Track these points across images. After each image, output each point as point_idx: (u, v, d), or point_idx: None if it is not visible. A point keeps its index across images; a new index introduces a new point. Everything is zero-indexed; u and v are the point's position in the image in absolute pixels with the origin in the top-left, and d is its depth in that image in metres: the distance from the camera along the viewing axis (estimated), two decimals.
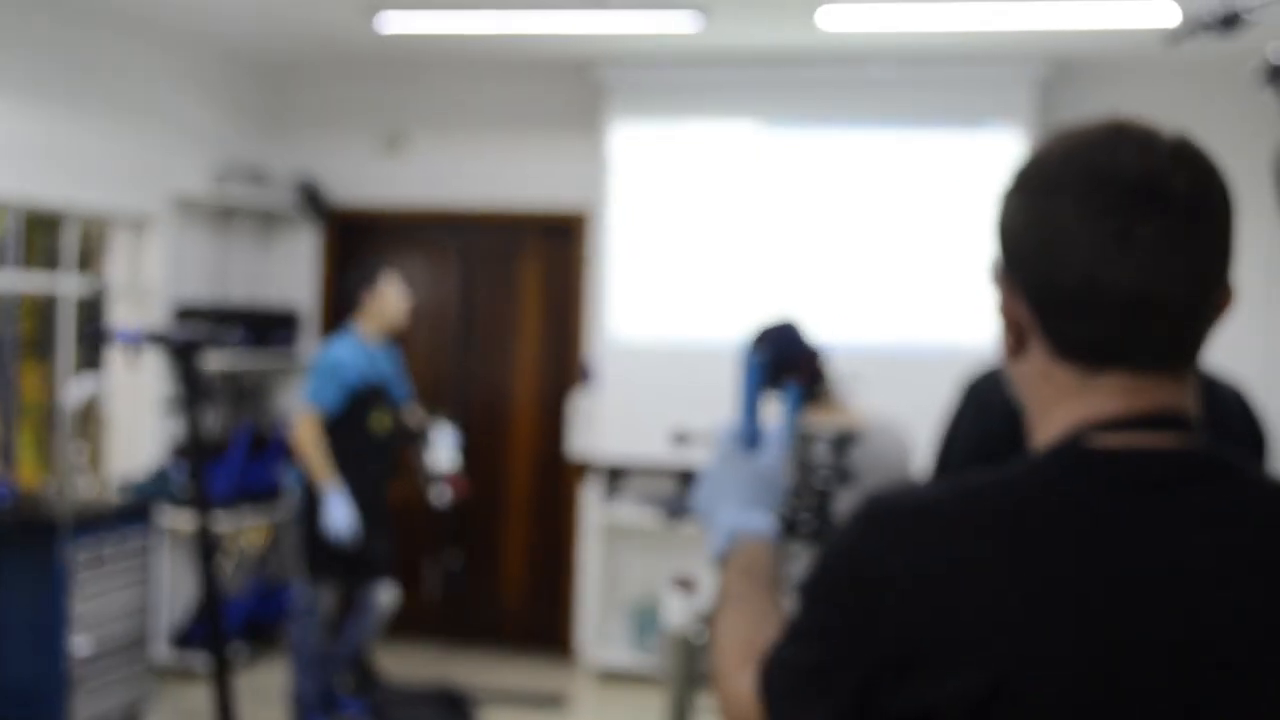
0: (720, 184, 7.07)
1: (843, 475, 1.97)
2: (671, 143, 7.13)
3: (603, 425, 7.22)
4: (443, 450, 6.14)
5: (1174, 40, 4.51)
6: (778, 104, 7.01)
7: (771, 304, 6.84)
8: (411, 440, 6.23)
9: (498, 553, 7.76)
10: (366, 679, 6.36)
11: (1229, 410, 2.34)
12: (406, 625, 7.66)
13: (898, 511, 1.26)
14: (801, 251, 6.95)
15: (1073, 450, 1.24)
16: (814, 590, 1.30)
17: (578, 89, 7.31)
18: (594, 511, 7.34)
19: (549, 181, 7.50)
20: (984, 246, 6.61)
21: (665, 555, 7.37)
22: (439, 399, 7.62)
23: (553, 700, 6.77)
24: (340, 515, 5.72)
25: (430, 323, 7.79)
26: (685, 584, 1.85)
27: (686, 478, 7.15)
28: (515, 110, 7.55)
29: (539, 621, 7.72)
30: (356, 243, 7.88)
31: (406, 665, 7.25)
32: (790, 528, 1.84)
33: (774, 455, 1.73)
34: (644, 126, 7.16)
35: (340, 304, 6.32)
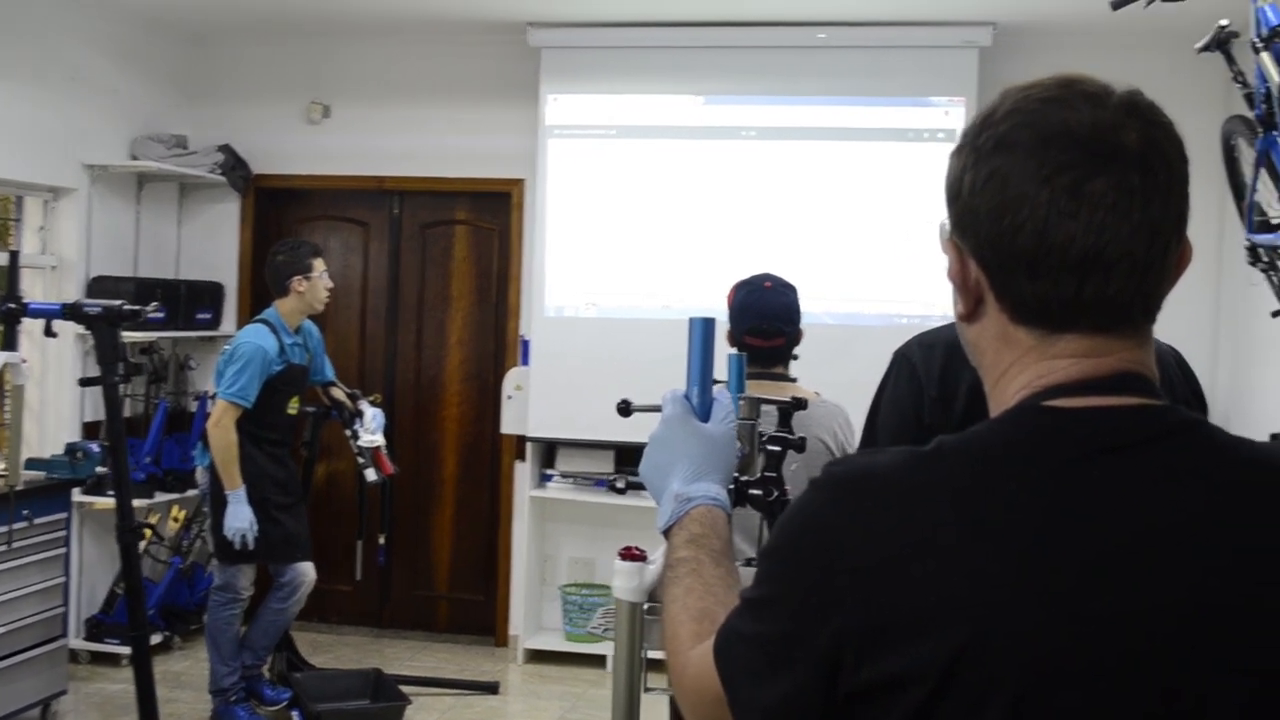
0: (658, 153, 6.91)
1: (794, 443, 1.85)
2: (609, 110, 6.96)
3: (537, 401, 7.05)
4: (366, 428, 5.99)
5: (1117, 5, 4.45)
6: (717, 71, 6.85)
7: (710, 276, 6.76)
8: (339, 418, 6.09)
9: (427, 536, 7.60)
10: (290, 665, 6.22)
11: (1167, 371, 2.35)
12: (333, 612, 7.50)
13: (859, 480, 1.23)
14: (741, 223, 6.82)
15: (1034, 413, 1.21)
16: (775, 561, 1.26)
17: (511, 55, 7.10)
18: (527, 490, 7.18)
19: (481, 150, 7.32)
20: (921, 219, 6.61)
21: (600, 535, 7.27)
22: (365, 377, 7.45)
23: (487, 686, 6.62)
24: (240, 520, 5.59)
25: (356, 297, 7.61)
26: (634, 554, 1.72)
27: (624, 453, 7.03)
28: (445, 77, 7.35)
29: (469, 605, 7.56)
30: (280, 213, 7.68)
31: (334, 653, 7.09)
32: (740, 496, 1.72)
33: (724, 423, 1.67)
34: (581, 94, 6.98)
35: (264, 282, 6.14)
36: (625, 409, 1.98)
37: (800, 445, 1.86)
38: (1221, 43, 4.58)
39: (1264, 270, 4.93)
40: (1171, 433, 1.20)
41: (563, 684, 6.80)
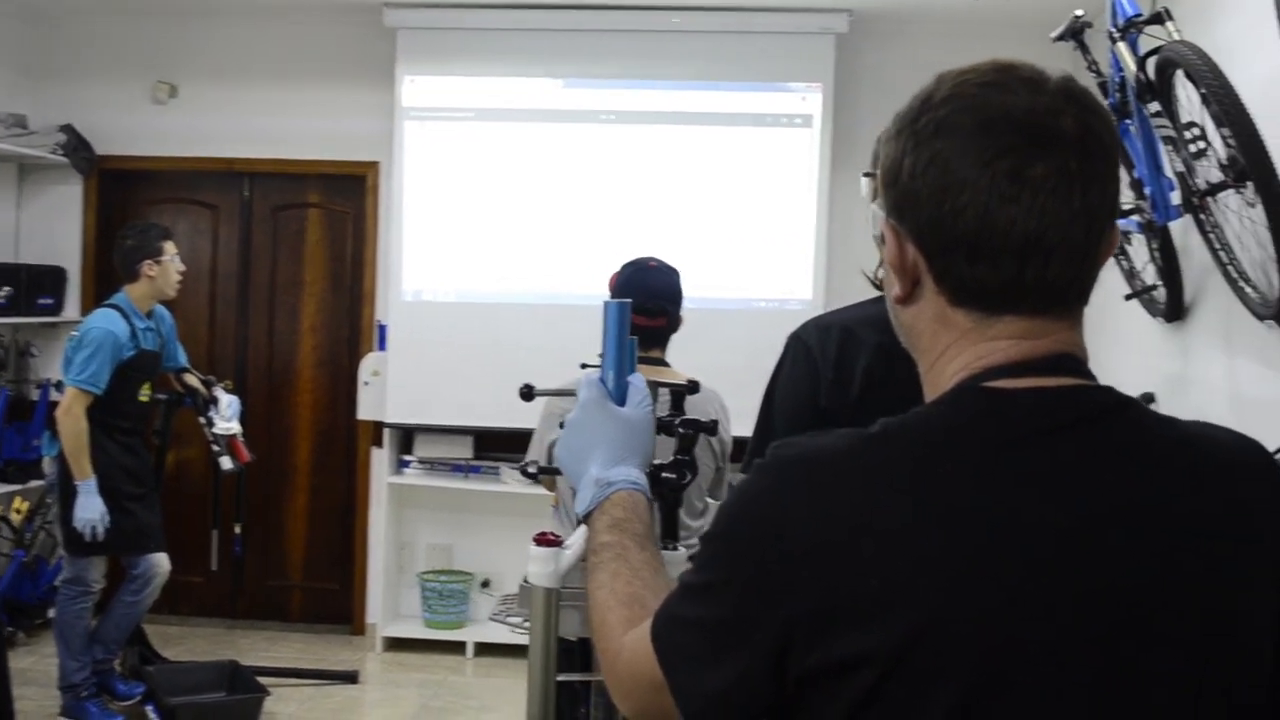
0: (517, 136, 6.86)
1: (707, 426, 1.85)
2: (467, 93, 6.88)
3: (395, 387, 6.97)
4: (222, 415, 5.86)
5: None
6: (575, 54, 6.82)
7: (570, 260, 6.75)
8: (193, 405, 5.94)
9: (280, 524, 7.46)
10: (142, 658, 6.06)
11: None
12: (184, 604, 7.33)
13: (804, 463, 1.22)
14: (601, 206, 6.81)
15: (973, 394, 1.22)
16: (718, 544, 1.25)
17: (366, 35, 6.99)
18: (385, 477, 7.10)
19: (334, 132, 7.19)
20: (779, 204, 6.66)
21: (458, 522, 7.23)
22: (215, 363, 7.28)
23: (346, 675, 6.54)
24: (91, 511, 5.42)
25: (205, 282, 7.42)
26: (550, 539, 1.70)
27: (483, 438, 7.00)
28: (298, 57, 7.20)
29: (325, 593, 7.45)
30: (126, 196, 7.46)
31: (187, 646, 6.94)
32: (653, 480, 1.71)
33: (641, 407, 1.65)
34: (438, 75, 6.89)
35: (111, 266, 5.96)
36: (528, 393, 1.96)
37: (712, 428, 1.86)
38: (1076, 32, 4.70)
39: (1115, 255, 5.07)
40: (1106, 412, 1.22)
41: (423, 672, 6.74)
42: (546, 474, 1.81)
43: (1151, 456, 1.21)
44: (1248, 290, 3.86)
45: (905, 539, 1.14)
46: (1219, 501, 1.21)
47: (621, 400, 1.65)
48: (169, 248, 5.76)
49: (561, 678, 1.72)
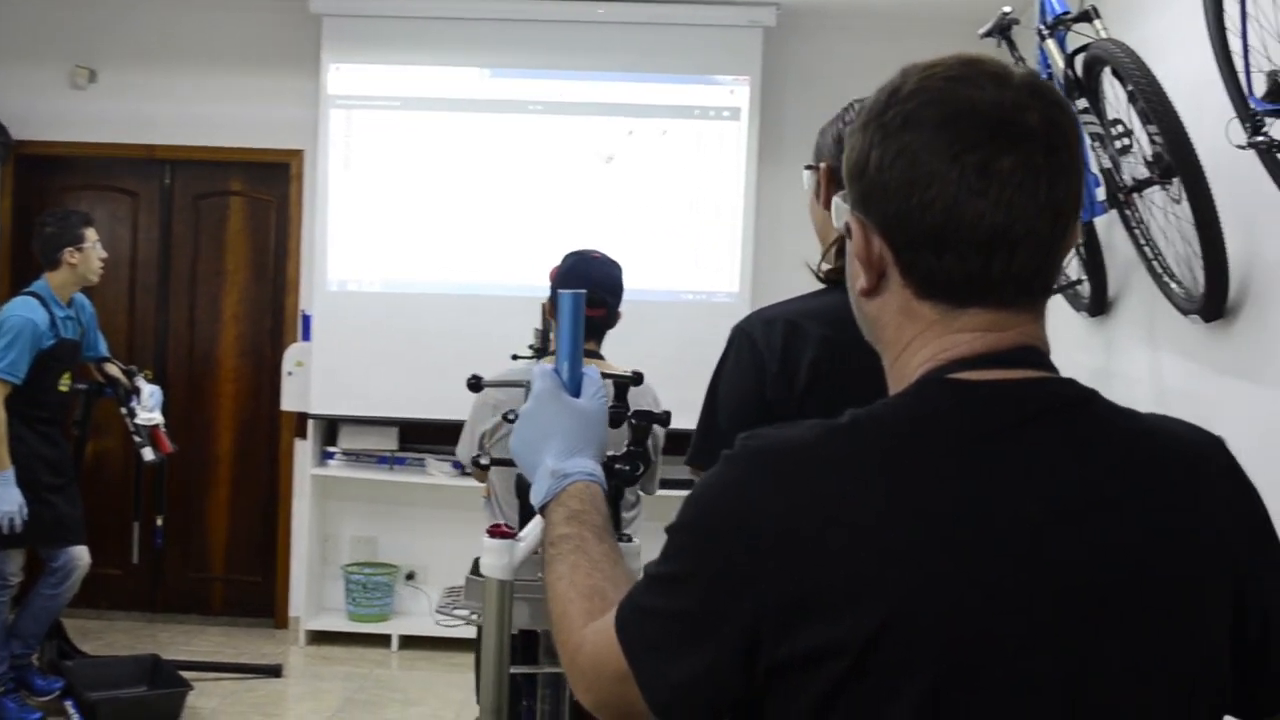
0: (444, 125, 6.82)
1: (659, 417, 1.85)
2: (393, 81, 6.83)
3: (319, 377, 6.90)
4: (144, 405, 5.78)
5: None
6: (502, 44, 6.78)
7: (497, 250, 6.73)
8: (114, 395, 5.85)
9: (202, 516, 7.37)
10: (61, 653, 5.96)
11: None
12: (102, 597, 7.21)
13: (772, 454, 1.22)
14: (530, 197, 6.78)
15: (938, 386, 1.23)
16: (685, 535, 1.25)
17: (291, 22, 6.91)
18: (308, 469, 7.04)
19: (258, 120, 7.10)
20: (707, 196, 6.67)
21: (383, 514, 7.18)
22: (134, 352, 7.17)
23: (269, 669, 6.48)
24: (9, 503, 5.32)
25: (124, 270, 7.31)
26: (504, 531, 1.69)
27: (408, 429, 6.97)
28: (221, 43, 7.10)
29: (247, 586, 7.37)
30: (43, 182, 7.32)
31: (106, 640, 6.83)
32: (608, 472, 1.71)
33: (595, 398, 1.65)
34: (364, 64, 6.83)
35: (28, 254, 5.86)
36: (475, 384, 1.95)
37: (665, 419, 1.86)
38: (1004, 29, 4.74)
39: None
40: (1070, 405, 1.23)
41: (347, 665, 6.70)
42: (499, 465, 1.80)
43: (1119, 450, 1.22)
44: (1172, 285, 3.92)
45: (873, 531, 1.14)
46: (1185, 495, 1.22)
47: (576, 391, 1.64)
48: (90, 235, 5.68)
49: (515, 669, 1.72)
